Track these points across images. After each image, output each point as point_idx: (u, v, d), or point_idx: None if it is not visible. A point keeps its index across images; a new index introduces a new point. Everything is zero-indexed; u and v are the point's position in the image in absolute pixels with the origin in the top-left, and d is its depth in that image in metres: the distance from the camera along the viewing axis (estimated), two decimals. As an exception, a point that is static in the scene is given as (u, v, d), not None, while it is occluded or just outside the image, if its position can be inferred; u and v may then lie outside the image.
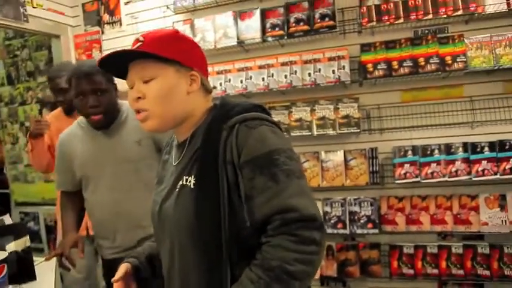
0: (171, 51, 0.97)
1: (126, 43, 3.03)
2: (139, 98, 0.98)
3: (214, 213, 0.90)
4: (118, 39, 3.07)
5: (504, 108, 2.42)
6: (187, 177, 0.98)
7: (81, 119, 1.80)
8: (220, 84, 2.82)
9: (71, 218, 1.79)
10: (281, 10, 2.72)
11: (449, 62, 2.40)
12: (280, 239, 0.84)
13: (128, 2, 3.02)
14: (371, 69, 2.53)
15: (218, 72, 2.83)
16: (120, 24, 3.06)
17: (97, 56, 3.10)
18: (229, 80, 2.80)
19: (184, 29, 2.86)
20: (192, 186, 0.95)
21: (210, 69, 2.78)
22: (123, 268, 1.08)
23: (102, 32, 3.12)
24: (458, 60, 2.39)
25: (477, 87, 2.48)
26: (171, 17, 2.95)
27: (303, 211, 0.85)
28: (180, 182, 0.99)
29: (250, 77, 2.76)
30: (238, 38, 2.76)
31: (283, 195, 0.86)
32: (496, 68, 2.34)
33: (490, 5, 2.35)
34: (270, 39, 2.71)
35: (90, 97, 1.63)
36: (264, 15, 2.75)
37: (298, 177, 0.90)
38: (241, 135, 0.92)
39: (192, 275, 0.95)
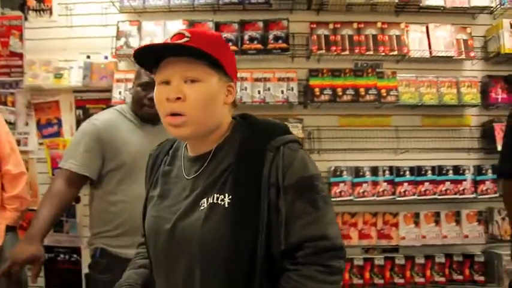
0: (221, 56, 0.91)
1: (56, 35, 2.68)
2: (179, 98, 0.89)
3: (252, 235, 0.87)
4: (46, 29, 2.68)
5: (422, 139, 2.83)
6: (218, 195, 0.91)
7: (122, 108, 1.82)
8: (167, 92, 2.68)
9: (50, 213, 1.56)
10: (235, 26, 2.74)
11: (384, 94, 2.72)
12: (311, 269, 0.86)
13: (63, -10, 2.68)
14: (318, 93, 2.71)
15: (165, 80, 2.69)
16: (51, 14, 2.68)
17: (15, 44, 2.66)
18: (177, 90, 2.69)
19: (131, 30, 2.66)
20: (226, 205, 0.90)
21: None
22: None
23: (26, 19, 2.69)
24: (391, 93, 2.72)
25: (402, 118, 2.84)
26: (115, 15, 2.71)
27: (335, 240, 0.88)
28: (208, 200, 0.92)
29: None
30: (189, 48, 2.68)
31: (321, 222, 0.89)
32: (420, 104, 2.74)
33: (416, 50, 2.75)
34: (223, 53, 2.69)
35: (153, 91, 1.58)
36: (218, 28, 2.73)
37: (331, 204, 0.93)
38: (286, 158, 0.91)
39: None
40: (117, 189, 1.69)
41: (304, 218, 0.88)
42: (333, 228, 0.90)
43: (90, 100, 2.68)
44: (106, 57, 2.69)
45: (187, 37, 0.89)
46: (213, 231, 0.89)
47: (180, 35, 0.91)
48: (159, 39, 2.67)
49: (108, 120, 1.78)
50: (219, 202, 0.90)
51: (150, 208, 1.04)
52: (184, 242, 0.92)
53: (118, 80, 2.65)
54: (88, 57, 2.62)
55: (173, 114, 0.91)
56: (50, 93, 2.64)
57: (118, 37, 2.66)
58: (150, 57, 0.94)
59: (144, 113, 1.74)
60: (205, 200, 0.92)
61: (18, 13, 2.67)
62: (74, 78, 2.59)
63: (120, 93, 2.63)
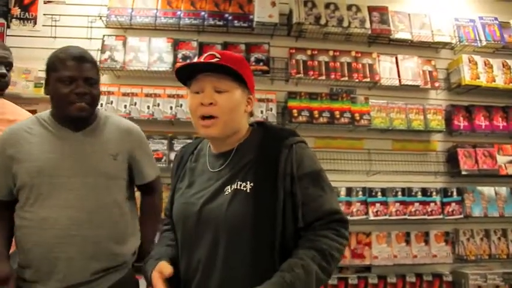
0: (244, 73, 1.13)
1: (39, 44, 2.67)
2: (211, 104, 1.11)
3: (271, 214, 1.05)
4: (28, 38, 2.68)
5: (392, 162, 2.98)
6: (242, 183, 1.10)
7: (41, 114, 1.51)
8: (148, 107, 2.71)
9: (1, 239, 1.41)
10: (219, 47, 2.85)
11: (358, 118, 2.87)
12: (325, 232, 1.07)
13: (49, 2, 2.70)
14: (296, 114, 2.82)
15: (147, 95, 2.72)
16: (35, 23, 2.68)
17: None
18: (158, 105, 2.73)
19: (116, 45, 2.71)
20: (248, 191, 1.08)
21: (138, 90, 2.72)
22: (168, 268, 1.09)
23: (8, 27, 2.68)
24: (364, 118, 2.88)
25: (373, 142, 3.00)
26: (100, 29, 2.76)
27: (342, 215, 1.12)
28: (232, 186, 1.10)
29: (181, 105, 2.74)
30: (173, 65, 2.75)
31: (331, 201, 1.12)
32: (390, 128, 2.91)
33: (387, 78, 2.95)
34: (206, 71, 2.77)
35: (80, 83, 1.42)
36: (202, 48, 2.83)
37: (334, 189, 1.18)
38: (298, 153, 1.13)
39: (240, 267, 1.05)
40: (22, 212, 1.42)
41: (318, 200, 1.09)
42: (338, 206, 1.14)
43: (69, 111, 2.65)
44: (89, 70, 2.70)
45: (218, 57, 1.12)
46: (237, 211, 1.06)
47: (211, 55, 1.13)
48: (144, 55, 2.73)
49: (17, 130, 1.47)
50: (242, 188, 1.09)
51: (179, 197, 1.20)
52: (211, 222, 1.09)
53: (100, 93, 2.64)
54: (70, 68, 2.61)
55: (205, 118, 1.11)
56: (28, 102, 2.59)
57: (103, 50, 2.69)
58: (185, 73, 1.14)
59: (74, 110, 1.41)
60: (229, 187, 1.11)
61: (1, 20, 2.65)
62: (54, 88, 2.57)
63: (101, 105, 2.63)
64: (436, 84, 3.01)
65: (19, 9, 2.69)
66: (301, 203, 1.07)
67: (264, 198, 1.06)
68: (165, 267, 1.09)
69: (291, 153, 1.11)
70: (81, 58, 1.44)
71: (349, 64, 2.93)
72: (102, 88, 2.67)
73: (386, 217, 2.85)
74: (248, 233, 1.04)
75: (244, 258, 1.05)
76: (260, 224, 1.04)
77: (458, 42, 3.04)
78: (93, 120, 1.52)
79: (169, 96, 2.74)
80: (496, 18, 3.11)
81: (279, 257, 1.04)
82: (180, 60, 2.77)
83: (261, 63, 2.85)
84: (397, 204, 2.88)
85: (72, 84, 1.41)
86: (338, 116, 2.86)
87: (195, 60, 1.24)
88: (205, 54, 1.15)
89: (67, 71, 1.41)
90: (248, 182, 1.09)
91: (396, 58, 3.01)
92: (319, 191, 1.10)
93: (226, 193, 1.10)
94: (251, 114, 1.23)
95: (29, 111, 2.58)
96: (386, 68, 2.98)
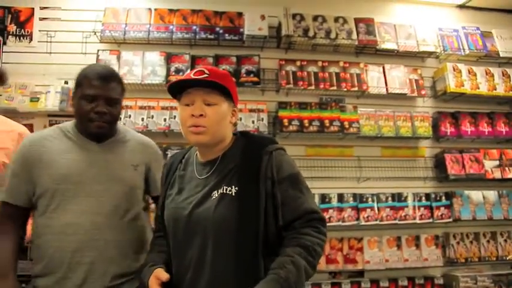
0: (230, 88, 1.25)
1: (35, 60, 2.75)
2: (201, 115, 1.22)
3: (254, 216, 1.16)
4: (24, 54, 2.75)
5: (381, 168, 3.05)
6: (227, 187, 1.21)
7: (65, 124, 1.58)
8: (142, 119, 2.77)
9: (7, 250, 1.42)
10: (210, 60, 2.93)
11: (347, 126, 2.95)
12: (306, 229, 1.17)
13: (44, 19, 2.77)
14: (286, 123, 2.90)
15: (141, 107, 2.79)
16: (30, 40, 2.76)
17: (-9, 68, 2.68)
18: (152, 117, 2.79)
19: (110, 59, 2.78)
20: (233, 194, 1.19)
21: (133, 103, 2.78)
22: (164, 274, 1.19)
23: (4, 43, 2.75)
24: (353, 126, 2.96)
25: (363, 149, 3.07)
26: (94, 44, 2.83)
27: (320, 214, 1.24)
28: (218, 191, 1.21)
29: (174, 117, 2.81)
30: (166, 77, 2.82)
31: (308, 202, 1.22)
32: (379, 136, 2.99)
33: (375, 87, 3.04)
34: (198, 83, 2.85)
35: (101, 103, 1.47)
36: (194, 61, 2.91)
37: (311, 191, 1.29)
38: (277, 159, 1.24)
39: (227, 266, 1.14)
40: (43, 219, 1.45)
41: (297, 201, 1.20)
42: (316, 206, 1.26)
43: (64, 124, 2.70)
44: (84, 84, 2.76)
45: (207, 74, 1.22)
46: (224, 214, 1.17)
47: (200, 71, 1.23)
48: (137, 68, 2.81)
49: (39, 139, 1.52)
50: (228, 192, 1.20)
51: (170, 202, 1.30)
52: (200, 224, 1.19)
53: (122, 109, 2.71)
54: (66, 82, 2.68)
55: (195, 127, 1.21)
56: (24, 116, 2.66)
57: (97, 65, 2.76)
58: (176, 87, 1.26)
59: (93, 127, 1.48)
60: (216, 191, 1.21)
61: (-4, 37, 2.73)
62: (51, 103, 2.63)
63: (96, 117, 2.69)
64: (423, 92, 3.10)
65: (15, 26, 2.77)
66: (281, 204, 1.18)
67: (248, 200, 1.16)
68: (161, 273, 1.19)
69: (271, 159, 1.22)
70: (107, 77, 1.48)
71: (337, 74, 3.02)
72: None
73: (377, 222, 2.91)
74: (233, 235, 1.14)
75: (230, 261, 1.13)
76: (244, 224, 1.14)
77: (442, 52, 3.14)
78: (114, 133, 1.59)
79: (163, 108, 2.81)
80: (478, 28, 3.22)
81: (262, 256, 1.13)
82: (173, 73, 2.84)
83: (252, 75, 2.93)
84: (388, 209, 2.95)
85: (94, 102, 1.47)
86: (328, 125, 2.94)
87: (186, 73, 1.32)
88: (195, 70, 1.25)
89: (90, 89, 1.46)
90: (233, 186, 1.19)
91: (383, 67, 3.10)
92: (298, 193, 1.21)
93: (214, 197, 1.20)
94: (235, 124, 1.34)
95: (25, 125, 2.63)
96: (373, 77, 3.07)
